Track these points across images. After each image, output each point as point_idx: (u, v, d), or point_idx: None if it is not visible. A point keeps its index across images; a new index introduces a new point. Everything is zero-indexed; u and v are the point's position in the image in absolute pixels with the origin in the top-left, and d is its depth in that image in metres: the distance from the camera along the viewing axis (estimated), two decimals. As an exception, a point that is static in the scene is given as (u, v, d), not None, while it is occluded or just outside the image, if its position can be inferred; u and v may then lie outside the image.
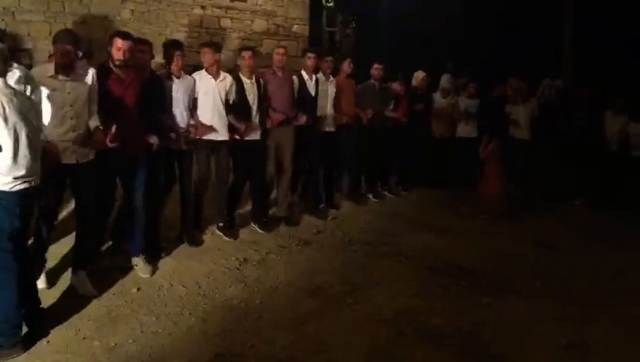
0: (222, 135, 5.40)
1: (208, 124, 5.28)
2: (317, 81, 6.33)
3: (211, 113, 5.33)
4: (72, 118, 3.95)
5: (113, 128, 4.03)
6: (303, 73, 6.27)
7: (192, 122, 5.15)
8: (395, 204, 7.31)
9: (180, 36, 8.44)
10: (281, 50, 6.04)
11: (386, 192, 7.65)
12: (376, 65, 7.15)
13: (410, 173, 8.08)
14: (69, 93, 3.92)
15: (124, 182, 4.55)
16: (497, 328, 3.94)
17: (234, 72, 5.77)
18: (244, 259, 5.01)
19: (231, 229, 5.60)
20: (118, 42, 4.22)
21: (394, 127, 7.39)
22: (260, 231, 5.75)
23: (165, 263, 4.79)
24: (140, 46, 4.63)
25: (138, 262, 4.58)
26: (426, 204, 7.42)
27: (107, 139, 4.04)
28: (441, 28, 13.33)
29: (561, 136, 8.18)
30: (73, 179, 4.10)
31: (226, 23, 9.00)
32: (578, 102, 8.40)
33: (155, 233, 4.97)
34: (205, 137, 5.26)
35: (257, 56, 5.83)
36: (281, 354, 3.48)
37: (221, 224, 5.58)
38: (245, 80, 5.61)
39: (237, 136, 5.53)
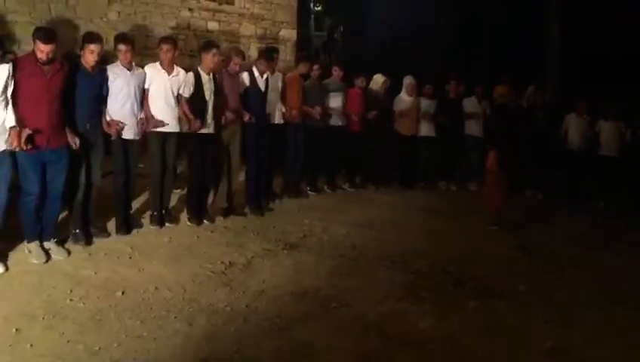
0: (172, 127, 5.65)
1: (159, 116, 5.54)
2: (267, 79, 6.57)
3: (162, 106, 5.56)
4: None
5: (25, 133, 4.25)
6: (254, 70, 6.48)
7: (141, 115, 5.42)
8: (379, 208, 7.31)
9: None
10: (238, 60, 6.22)
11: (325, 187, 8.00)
12: (315, 67, 7.65)
13: (360, 171, 8.49)
14: None
15: (48, 173, 4.66)
16: (483, 332, 3.95)
17: (193, 67, 6.03)
18: (230, 263, 4.99)
19: (160, 219, 5.75)
20: (40, 46, 4.35)
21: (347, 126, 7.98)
22: (189, 223, 5.90)
23: (150, 266, 4.76)
24: (90, 46, 4.86)
25: (31, 248, 4.64)
26: (411, 208, 7.43)
27: (21, 142, 4.24)
28: (429, 32, 13.41)
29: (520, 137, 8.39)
30: None
31: (213, 25, 8.99)
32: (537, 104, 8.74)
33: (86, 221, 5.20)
34: (156, 129, 5.55)
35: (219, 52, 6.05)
36: (267, 359, 3.47)
37: (154, 213, 5.75)
38: (204, 75, 5.81)
39: (186, 129, 5.73)
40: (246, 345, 3.59)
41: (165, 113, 5.58)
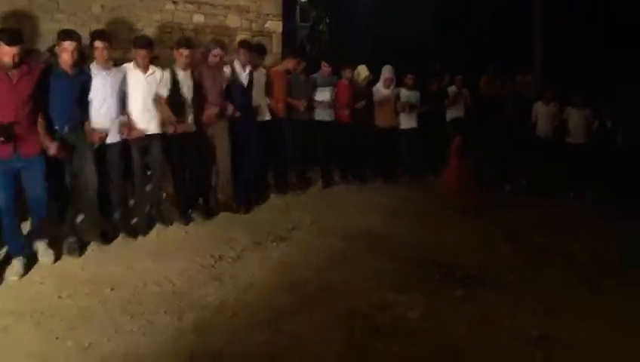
0: (152, 129, 5.42)
1: (138, 118, 5.30)
2: (251, 72, 6.41)
3: (141, 107, 5.33)
4: None
5: None
6: (236, 64, 6.34)
7: (122, 118, 5.16)
8: (367, 200, 7.32)
9: (152, 32, 8.33)
10: (217, 52, 6.02)
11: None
12: (298, 60, 7.47)
13: (351, 165, 8.23)
14: None
15: (23, 181, 4.42)
16: (471, 321, 3.98)
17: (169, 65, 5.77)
18: (219, 256, 4.99)
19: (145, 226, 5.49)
20: (5, 48, 4.02)
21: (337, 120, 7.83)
22: (183, 225, 5.69)
23: (139, 262, 4.75)
24: (64, 43, 4.56)
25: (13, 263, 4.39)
26: (398, 200, 7.44)
27: None
28: (416, 23, 13.40)
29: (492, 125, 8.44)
30: None
31: (198, 18, 8.91)
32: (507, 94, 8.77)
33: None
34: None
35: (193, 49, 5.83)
36: (257, 351, 3.48)
37: (139, 220, 5.51)
38: (179, 72, 5.63)
39: (171, 131, 5.52)
40: (236, 338, 3.61)
41: (143, 115, 5.35)
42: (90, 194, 4.91)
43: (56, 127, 4.63)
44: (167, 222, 5.64)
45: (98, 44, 4.91)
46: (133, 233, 5.31)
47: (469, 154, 7.03)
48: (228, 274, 4.64)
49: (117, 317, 3.81)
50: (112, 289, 4.20)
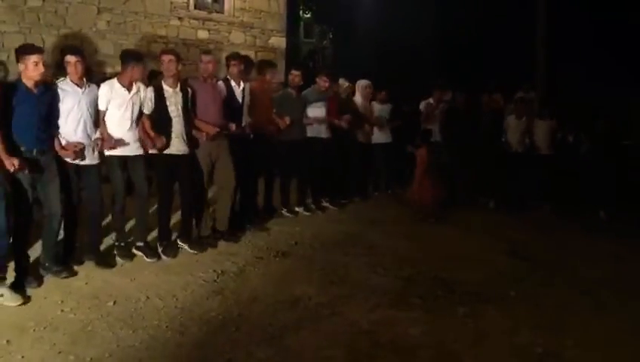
0: (135, 149, 5.05)
1: (119, 137, 4.93)
2: (244, 89, 6.01)
3: (123, 126, 4.96)
4: None
5: None
6: (230, 79, 5.92)
7: (97, 135, 4.82)
8: (366, 216, 7.33)
9: (157, 47, 8.44)
10: (207, 58, 5.64)
11: (327, 204, 7.55)
12: (293, 72, 6.93)
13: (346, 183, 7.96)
14: None
15: None
16: (474, 338, 3.97)
17: (157, 80, 5.43)
18: (222, 271, 5.00)
19: (152, 249, 5.24)
20: None
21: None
22: (190, 250, 5.42)
23: (142, 276, 4.76)
24: (32, 57, 4.22)
25: (4, 291, 4.11)
26: (397, 214, 7.47)
27: None
28: (418, 39, 13.51)
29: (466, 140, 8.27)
30: None
31: (203, 34, 9.03)
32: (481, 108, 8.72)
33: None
34: (116, 152, 4.95)
35: (180, 61, 5.32)
36: (259, 367, 3.48)
37: (140, 244, 5.21)
38: (167, 88, 5.19)
39: (151, 151, 5.15)
40: (238, 353, 3.60)
41: (125, 135, 4.96)
42: (54, 227, 4.55)
43: (23, 148, 4.25)
44: (154, 255, 5.23)
45: (70, 58, 4.61)
46: (106, 264, 4.95)
47: (433, 165, 7.13)
48: (230, 288, 4.65)
49: (119, 331, 3.81)
50: (114, 304, 4.21)
